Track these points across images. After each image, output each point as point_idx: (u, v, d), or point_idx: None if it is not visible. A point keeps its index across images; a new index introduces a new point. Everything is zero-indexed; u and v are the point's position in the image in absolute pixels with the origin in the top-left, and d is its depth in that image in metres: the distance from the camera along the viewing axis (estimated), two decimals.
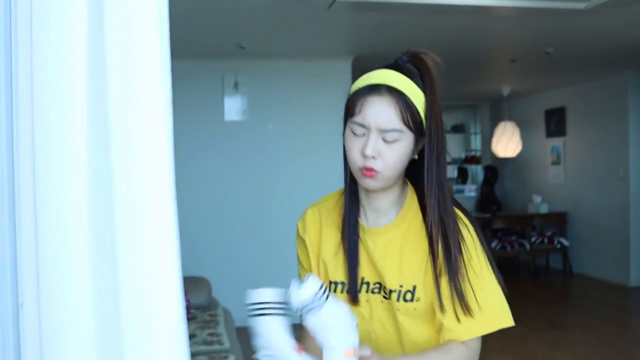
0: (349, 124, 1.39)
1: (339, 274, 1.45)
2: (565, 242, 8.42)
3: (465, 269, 1.35)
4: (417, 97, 1.34)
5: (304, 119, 6.24)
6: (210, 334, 3.82)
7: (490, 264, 1.42)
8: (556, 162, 8.80)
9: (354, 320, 1.24)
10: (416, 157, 1.40)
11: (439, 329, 1.38)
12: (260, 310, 1.21)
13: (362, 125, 1.35)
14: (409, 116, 1.32)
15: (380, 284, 1.43)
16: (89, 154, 0.92)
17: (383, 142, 1.33)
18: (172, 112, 0.95)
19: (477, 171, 10.95)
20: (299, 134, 6.24)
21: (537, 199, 8.80)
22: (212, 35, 5.21)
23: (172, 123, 0.96)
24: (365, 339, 1.38)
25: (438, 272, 1.36)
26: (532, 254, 8.40)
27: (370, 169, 1.34)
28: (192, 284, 4.74)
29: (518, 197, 9.69)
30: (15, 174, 0.97)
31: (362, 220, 1.47)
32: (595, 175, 8.05)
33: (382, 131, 1.33)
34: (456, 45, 5.44)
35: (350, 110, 1.39)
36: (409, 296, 1.39)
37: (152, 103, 0.93)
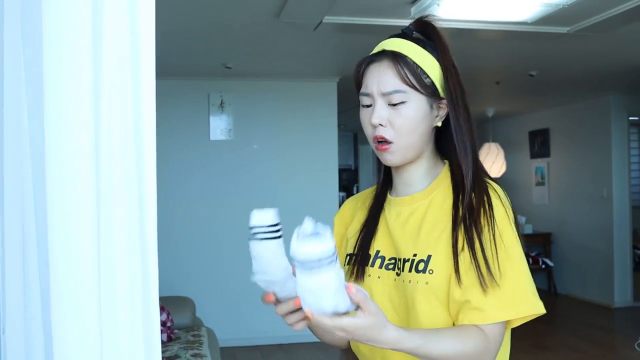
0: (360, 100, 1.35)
1: (356, 246, 1.40)
2: (550, 263, 8.44)
3: (496, 244, 1.22)
4: (421, 57, 1.29)
5: (290, 139, 6.24)
6: (194, 355, 3.79)
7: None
8: (540, 183, 8.86)
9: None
10: (439, 124, 1.33)
11: (459, 309, 1.22)
12: (264, 234, 1.07)
13: (367, 94, 1.31)
14: (409, 75, 1.27)
15: (395, 259, 1.33)
16: (88, 174, 0.91)
17: (389, 108, 1.28)
18: (155, 133, 0.94)
19: None
20: (285, 154, 6.24)
21: (522, 219, 8.83)
22: (198, 55, 5.22)
23: (156, 139, 0.95)
24: None
25: (460, 246, 1.23)
26: None
27: (382, 140, 1.28)
28: (176, 304, 4.70)
29: None
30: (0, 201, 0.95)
31: (391, 194, 1.41)
32: (579, 196, 8.11)
33: (384, 95, 1.28)
34: None
35: (357, 86, 1.36)
36: (421, 266, 1.27)
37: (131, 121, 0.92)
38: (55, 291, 0.88)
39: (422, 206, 1.34)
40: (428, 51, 1.31)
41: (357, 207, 1.48)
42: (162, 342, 4.10)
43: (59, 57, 0.89)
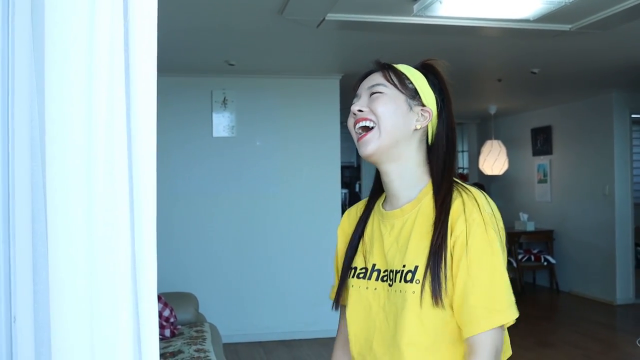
0: None
1: (359, 259, 1.50)
2: (552, 260, 8.45)
3: (468, 257, 1.31)
4: (412, 73, 1.45)
5: (292, 135, 6.26)
6: (197, 350, 3.81)
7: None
8: (543, 180, 8.86)
9: None
10: (418, 127, 1.42)
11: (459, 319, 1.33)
12: None
13: (357, 95, 1.47)
14: (393, 76, 1.42)
15: (388, 271, 1.41)
16: (84, 169, 0.93)
17: (370, 98, 1.43)
18: (155, 128, 0.95)
19: None
20: (287, 151, 6.25)
21: (524, 216, 8.84)
22: (201, 52, 5.23)
23: (156, 136, 0.96)
24: (369, 331, 1.41)
25: (444, 259, 1.32)
26: (519, 271, 8.42)
27: (363, 123, 1.40)
28: (179, 300, 4.72)
29: (505, 215, 9.61)
30: (10, 184, 0.96)
31: (384, 208, 1.49)
32: (581, 194, 8.11)
33: (367, 89, 1.44)
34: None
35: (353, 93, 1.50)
36: (409, 276, 1.35)
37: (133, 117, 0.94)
38: (53, 287, 0.89)
39: (411, 217, 1.42)
40: (425, 77, 1.46)
41: (355, 218, 1.58)
42: (166, 338, 4.12)
43: (58, 53, 0.91)
